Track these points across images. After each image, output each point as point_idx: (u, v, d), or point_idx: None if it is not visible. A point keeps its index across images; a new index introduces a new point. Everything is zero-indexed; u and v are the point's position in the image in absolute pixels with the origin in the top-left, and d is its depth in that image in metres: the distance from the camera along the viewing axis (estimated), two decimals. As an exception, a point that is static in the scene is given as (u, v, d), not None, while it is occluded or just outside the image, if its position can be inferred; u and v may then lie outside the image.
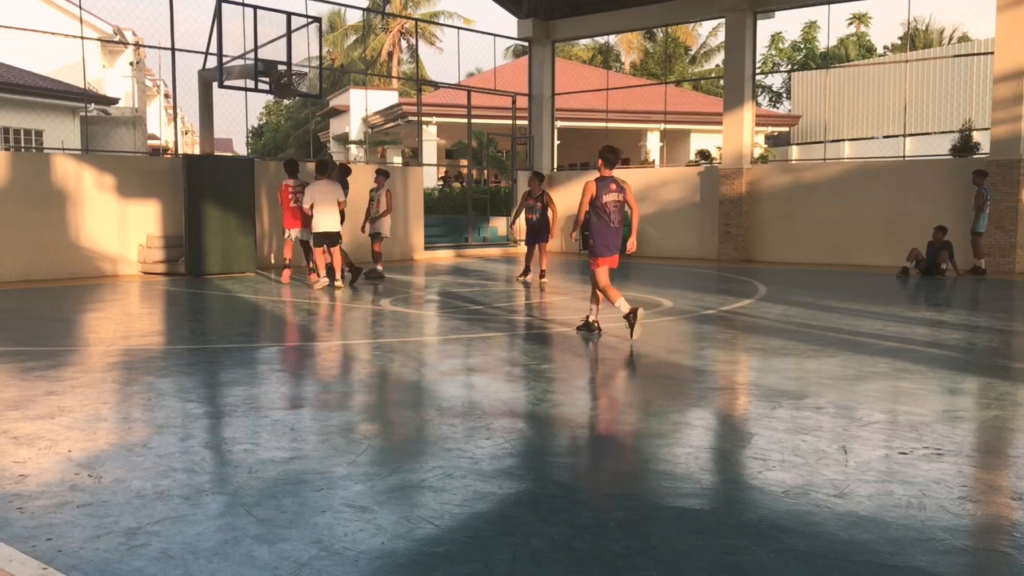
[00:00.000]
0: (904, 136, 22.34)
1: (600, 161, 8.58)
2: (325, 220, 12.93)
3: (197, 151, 17.43)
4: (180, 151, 18.00)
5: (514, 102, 23.03)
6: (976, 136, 19.12)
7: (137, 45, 29.44)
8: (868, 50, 42.42)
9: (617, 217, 8.52)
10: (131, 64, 32.51)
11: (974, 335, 8.79)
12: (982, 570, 3.31)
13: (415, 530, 3.55)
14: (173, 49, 16.16)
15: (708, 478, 4.35)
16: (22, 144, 24.25)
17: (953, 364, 7.36)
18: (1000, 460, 4.78)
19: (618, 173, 8.98)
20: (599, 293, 8.65)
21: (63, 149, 19.94)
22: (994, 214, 15.85)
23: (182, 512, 3.73)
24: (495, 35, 23.54)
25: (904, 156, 20.09)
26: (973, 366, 7.35)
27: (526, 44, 24.37)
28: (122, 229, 15.51)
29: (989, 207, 15.69)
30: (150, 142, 31.44)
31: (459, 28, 25.17)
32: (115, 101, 28.02)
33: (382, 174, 14.95)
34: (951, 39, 39.73)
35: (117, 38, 28.88)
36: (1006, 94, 16.00)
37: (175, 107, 18.80)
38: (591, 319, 8.78)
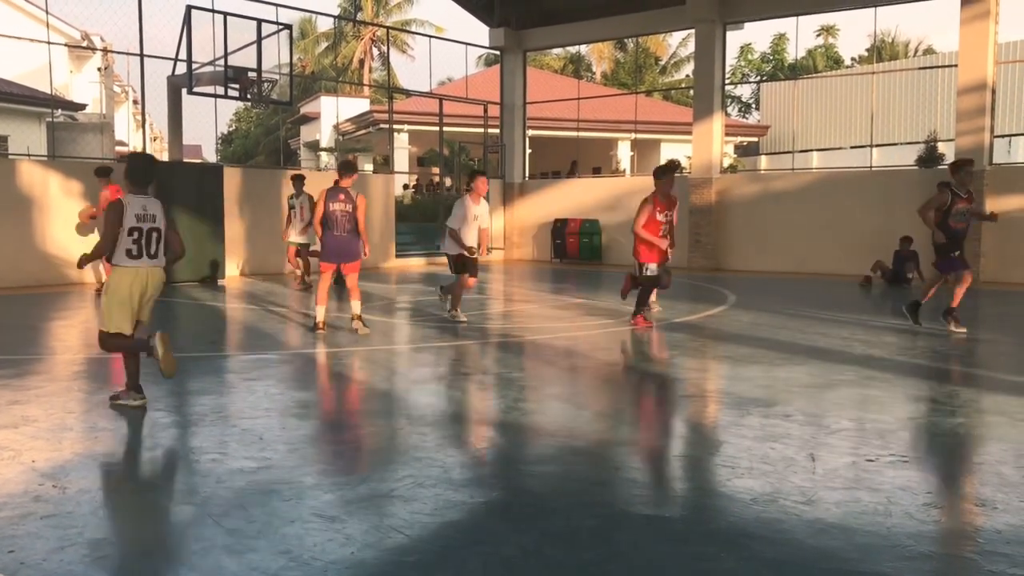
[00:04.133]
0: (871, 147, 22.64)
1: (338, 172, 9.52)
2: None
3: (166, 157, 17.28)
4: (148, 158, 17.79)
5: (486, 111, 23.04)
6: (941, 147, 19.42)
7: (105, 51, 29.11)
8: (836, 61, 42.95)
9: (344, 225, 9.13)
10: (99, 69, 32.12)
11: (939, 343, 8.90)
12: (947, 576, 3.35)
13: (385, 540, 3.53)
14: (142, 55, 16.00)
15: (678, 486, 4.37)
16: (-14, 150, 23.87)
17: (919, 372, 7.46)
18: (964, 467, 4.85)
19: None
20: (356, 292, 9.32)
21: (29, 155, 19.66)
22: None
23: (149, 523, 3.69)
24: (467, 44, 23.56)
25: (871, 166, 20.35)
26: (938, 374, 7.45)
27: (498, 53, 24.41)
28: (89, 236, 15.30)
29: None
30: (118, 148, 31.00)
31: (431, 36, 25.15)
32: (82, 107, 27.66)
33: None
34: (916, 51, 40.34)
35: (85, 43, 28.53)
36: (970, 106, 16.26)
37: (143, 113, 18.67)
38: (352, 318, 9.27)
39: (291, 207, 14.19)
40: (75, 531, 3.59)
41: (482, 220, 10.01)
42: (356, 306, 9.30)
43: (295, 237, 14.11)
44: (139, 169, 5.99)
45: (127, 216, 5.71)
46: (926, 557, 3.43)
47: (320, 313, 9.33)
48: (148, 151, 18.15)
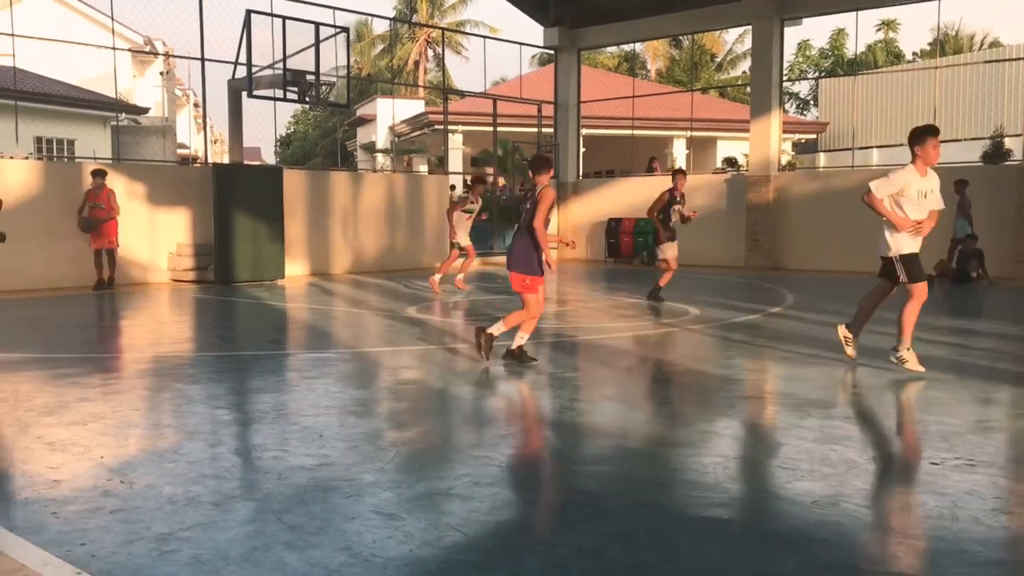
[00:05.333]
0: (934, 143, 22.07)
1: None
2: None
3: (226, 160, 17.60)
4: (209, 160, 18.17)
5: (540, 110, 23.05)
6: (1008, 143, 18.89)
7: (167, 55, 29.77)
8: (896, 56, 42.07)
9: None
10: (161, 74, 32.88)
11: (1004, 343, 8.67)
12: (1016, 583, 3.27)
13: (443, 538, 3.56)
14: (203, 59, 16.35)
15: (736, 488, 4.33)
16: (54, 153, 24.60)
17: (983, 373, 7.27)
18: (1034, 471, 4.72)
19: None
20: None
21: (94, 158, 20.18)
22: (1022, 222, 15.66)
23: (213, 518, 3.77)
24: (521, 44, 23.65)
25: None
26: (1004, 375, 7.25)
27: (552, 52, 24.40)
28: (152, 237, 15.67)
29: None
30: (180, 151, 31.73)
31: (485, 37, 25.26)
32: (145, 111, 28.34)
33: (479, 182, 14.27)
34: (982, 44, 39.31)
35: (148, 48, 29.22)
36: (1038, 100, 15.81)
37: (205, 116, 19.02)
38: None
39: (468, 212, 13.60)
40: (143, 525, 3.68)
41: (934, 200, 7.28)
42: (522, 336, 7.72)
43: (463, 239, 13.70)
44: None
45: None
46: (995, 564, 3.35)
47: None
48: (208, 153, 18.51)
